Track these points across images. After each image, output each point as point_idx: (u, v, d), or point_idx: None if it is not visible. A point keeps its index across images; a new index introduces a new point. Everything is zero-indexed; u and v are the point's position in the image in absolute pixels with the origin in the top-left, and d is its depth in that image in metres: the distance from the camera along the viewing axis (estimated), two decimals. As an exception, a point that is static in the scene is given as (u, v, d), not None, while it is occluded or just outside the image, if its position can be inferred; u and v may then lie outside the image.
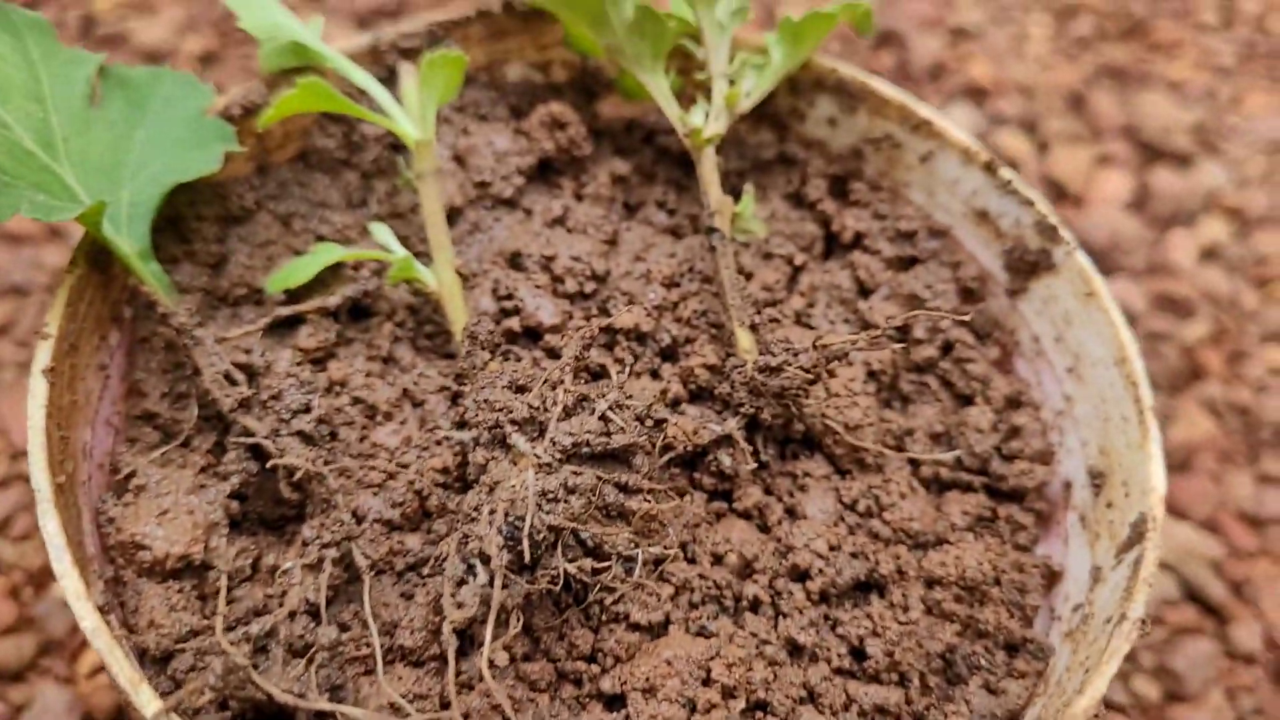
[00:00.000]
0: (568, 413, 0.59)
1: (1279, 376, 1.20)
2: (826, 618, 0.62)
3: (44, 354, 0.58)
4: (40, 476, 0.54)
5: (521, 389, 0.60)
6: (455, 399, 0.66)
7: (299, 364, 0.64)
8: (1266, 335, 1.24)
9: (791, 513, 0.66)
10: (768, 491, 0.67)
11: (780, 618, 0.62)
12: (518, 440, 0.57)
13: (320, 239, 0.72)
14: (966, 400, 0.71)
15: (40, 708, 0.96)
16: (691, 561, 0.63)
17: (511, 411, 0.58)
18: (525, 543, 0.53)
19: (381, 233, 0.68)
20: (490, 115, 0.78)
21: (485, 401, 0.60)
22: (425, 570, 0.61)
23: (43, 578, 1.03)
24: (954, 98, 1.43)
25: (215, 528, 0.59)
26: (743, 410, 0.65)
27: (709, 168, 0.71)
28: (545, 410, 0.58)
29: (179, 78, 0.69)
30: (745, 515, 0.66)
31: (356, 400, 0.65)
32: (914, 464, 0.69)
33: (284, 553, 0.60)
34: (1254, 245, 1.31)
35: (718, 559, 0.63)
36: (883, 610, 0.62)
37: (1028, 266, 0.71)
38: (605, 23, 0.72)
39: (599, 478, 0.58)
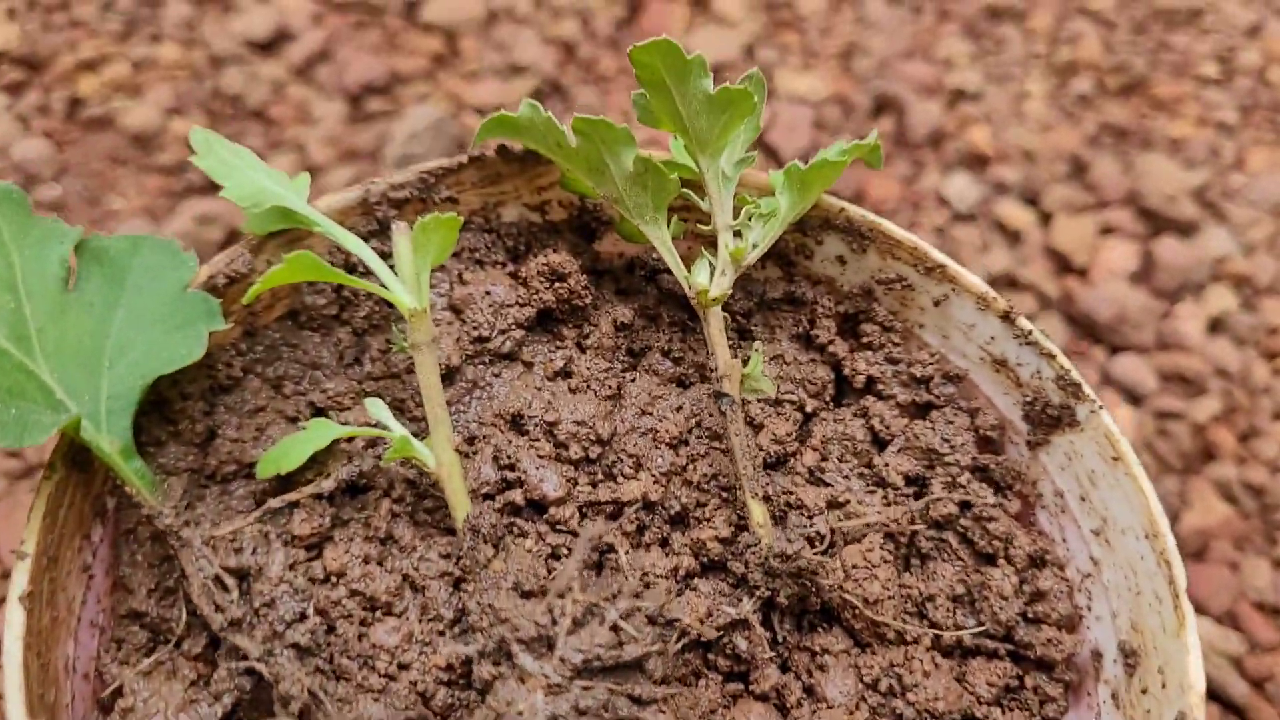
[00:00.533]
0: (577, 624, 0.56)
1: (1295, 455, 1.18)
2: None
3: (21, 577, 0.55)
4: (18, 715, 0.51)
5: (528, 594, 0.58)
6: (458, 584, 0.63)
7: (292, 566, 0.61)
8: (1279, 411, 1.21)
9: (811, 692, 0.63)
10: (785, 668, 0.64)
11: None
12: (525, 660, 0.54)
13: (313, 406, 0.69)
14: (988, 559, 0.69)
15: None
16: (709, 755, 0.60)
17: (518, 630, 0.55)
18: (537, 780, 0.50)
19: (377, 408, 0.65)
20: (487, 260, 0.75)
21: (490, 607, 0.57)
22: (431, 779, 0.58)
23: None
24: (954, 166, 1.40)
25: (209, 751, 0.56)
26: (758, 593, 0.63)
27: (716, 328, 0.68)
28: (553, 624, 0.55)
29: (159, 246, 0.66)
30: (763, 698, 0.63)
31: (354, 593, 0.62)
32: (936, 626, 0.66)
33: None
34: (1263, 315, 1.28)
35: (735, 750, 0.60)
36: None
37: (1049, 420, 0.69)
38: (604, 174, 0.69)
39: (611, 690, 0.55)
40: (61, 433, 0.60)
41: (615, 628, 0.56)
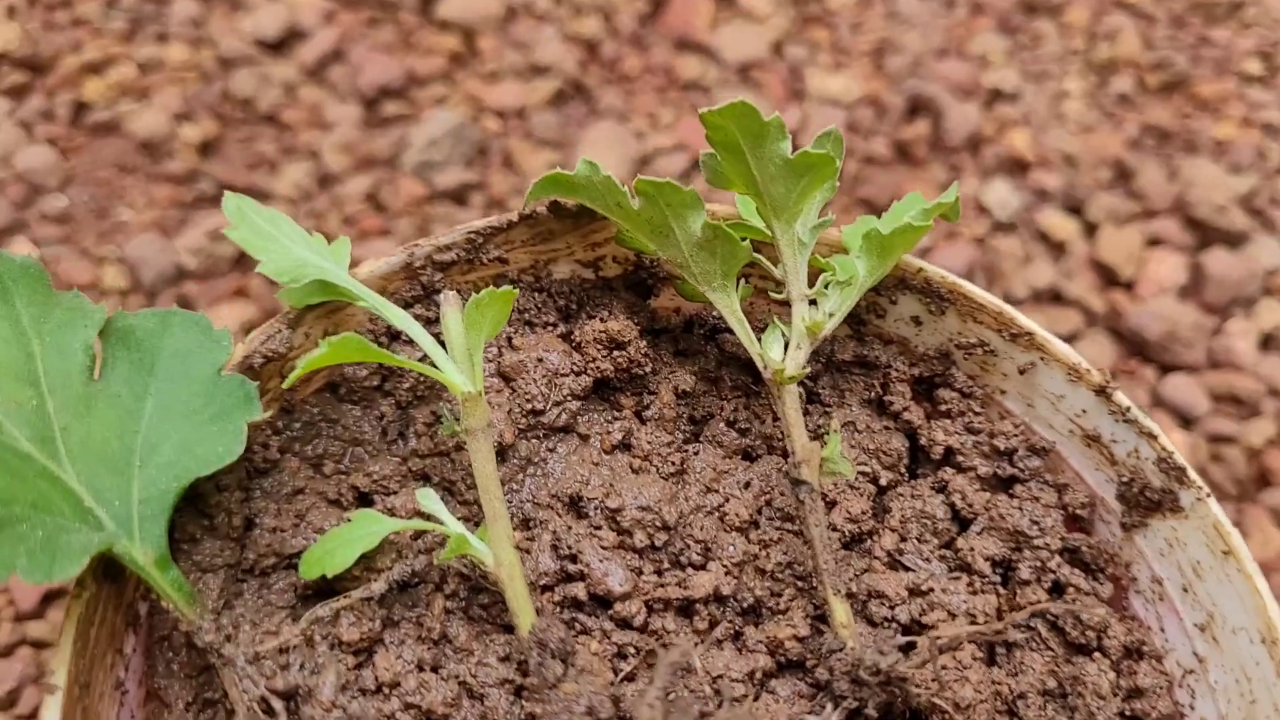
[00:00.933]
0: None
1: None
2: None
3: (52, 715, 0.50)
4: None
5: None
6: (519, 692, 0.59)
7: (344, 687, 0.57)
8: (1338, 426, 1.17)
9: (899, 806, 0.59)
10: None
11: None
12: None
13: (356, 490, 0.65)
14: (1080, 649, 0.64)
15: None
16: None
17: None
18: None
19: (428, 499, 0.60)
20: (537, 321, 0.70)
21: (563, 735, 0.52)
22: None
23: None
24: (993, 172, 1.35)
25: None
26: (844, 704, 0.58)
27: (792, 407, 0.63)
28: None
29: (190, 324, 0.61)
30: (847, 812, 0.59)
31: (409, 705, 0.57)
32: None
33: None
34: (1319, 333, 1.24)
35: None
36: None
37: (1148, 503, 0.64)
38: (668, 237, 0.64)
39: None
40: (92, 544, 0.55)
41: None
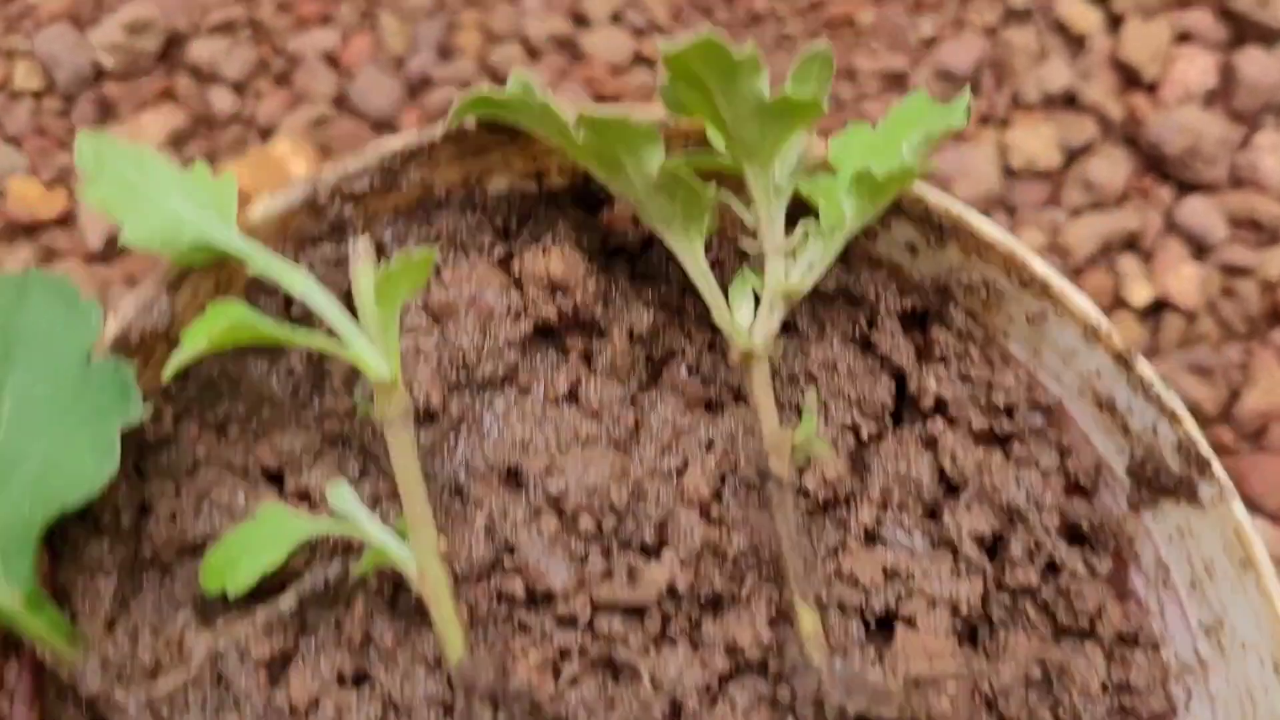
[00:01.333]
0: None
1: None
2: None
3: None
4: None
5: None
6: (448, 711, 0.53)
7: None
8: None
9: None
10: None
11: None
12: None
13: (264, 469, 0.57)
14: (1068, 633, 0.59)
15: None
16: None
17: None
18: None
19: (342, 499, 0.53)
20: (470, 244, 0.60)
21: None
22: None
23: None
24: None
25: None
26: (805, 727, 0.53)
27: (761, 384, 0.54)
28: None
29: (51, 291, 0.51)
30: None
31: (327, 729, 0.52)
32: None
33: None
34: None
35: None
36: None
37: (1161, 487, 0.57)
38: (620, 172, 0.53)
39: None
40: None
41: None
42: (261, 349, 0.58)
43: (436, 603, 0.52)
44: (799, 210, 0.55)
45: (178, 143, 1.12)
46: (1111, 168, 1.09)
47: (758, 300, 0.55)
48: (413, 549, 0.52)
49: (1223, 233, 1.07)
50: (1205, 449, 0.54)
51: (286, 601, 0.53)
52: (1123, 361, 0.56)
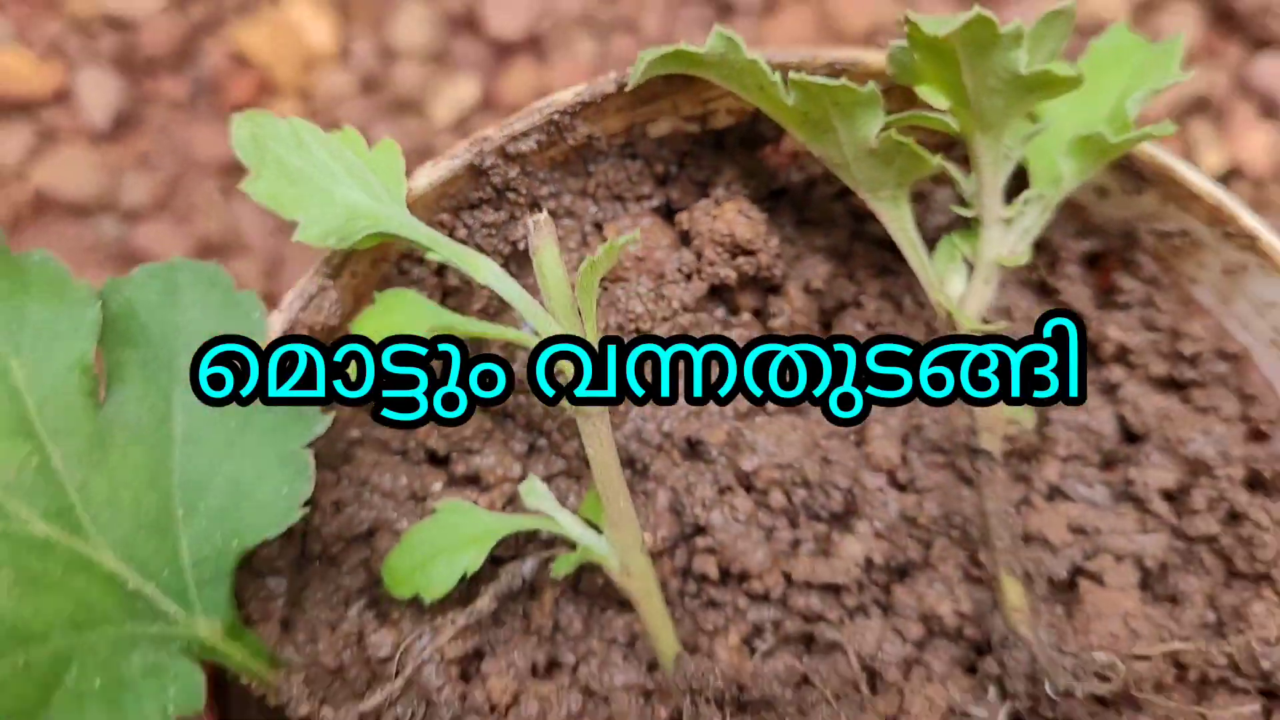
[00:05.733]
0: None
1: None
2: None
3: None
4: None
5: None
6: (648, 696, 0.52)
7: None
8: None
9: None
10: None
11: None
12: None
13: (429, 452, 0.53)
14: (1243, 578, 0.58)
15: None
16: None
17: None
18: None
19: (535, 495, 0.49)
20: (629, 195, 0.55)
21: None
22: None
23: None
24: None
25: None
26: (1016, 705, 0.52)
27: (972, 360, 0.51)
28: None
29: (202, 282, 0.46)
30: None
31: (526, 727, 0.50)
32: (1180, 666, 0.57)
33: None
34: None
35: None
36: None
37: (1355, 441, 0.55)
38: (829, 136, 0.48)
39: None
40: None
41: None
42: (415, 320, 0.53)
43: (646, 600, 0.49)
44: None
45: (182, 4, 1.02)
46: (1182, 22, 1.05)
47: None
48: (614, 545, 0.49)
49: (1295, 92, 1.04)
50: None
51: (484, 603, 0.50)
52: (1333, 320, 0.54)
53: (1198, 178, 0.54)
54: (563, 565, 0.50)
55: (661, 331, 0.54)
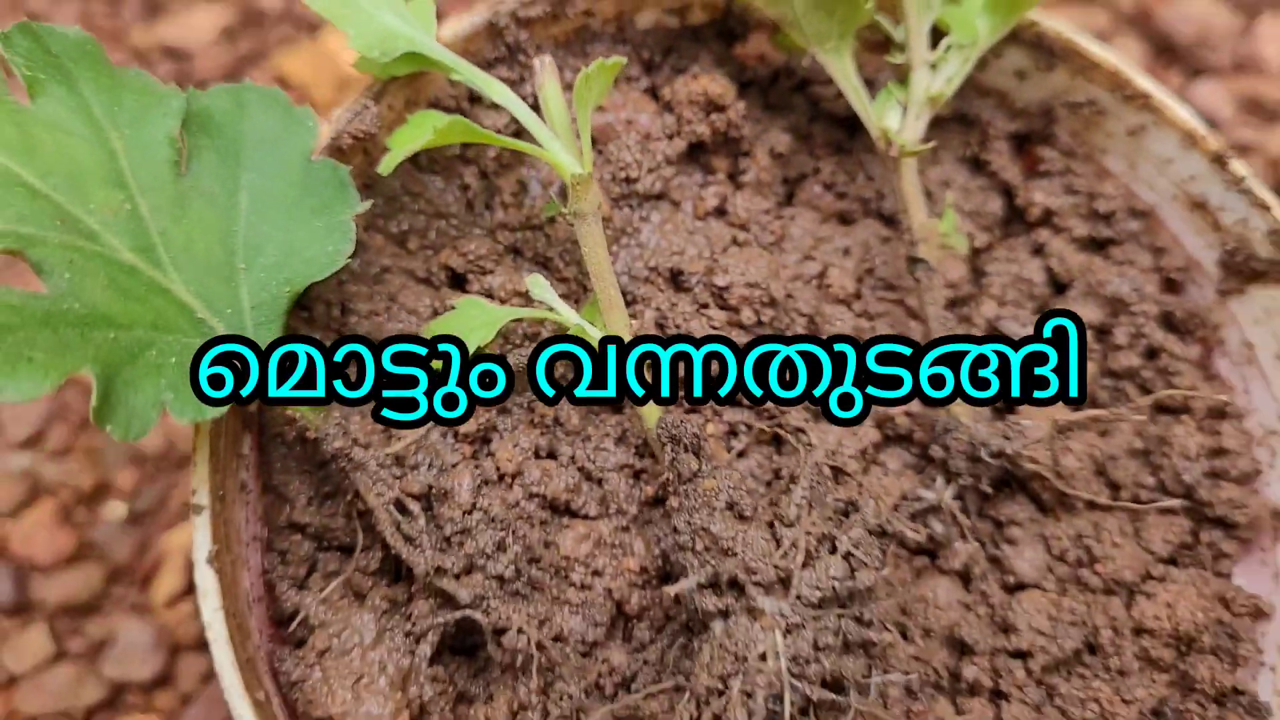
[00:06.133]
0: (810, 557, 0.53)
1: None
2: (1040, 683, 0.60)
3: (203, 536, 0.50)
4: (240, 703, 0.48)
5: (743, 516, 0.54)
6: (638, 476, 0.59)
7: (480, 487, 0.56)
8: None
9: (997, 564, 0.62)
10: (965, 535, 0.62)
11: (1002, 701, 0.59)
12: (764, 603, 0.51)
13: (448, 270, 0.62)
14: (1167, 410, 0.66)
15: (124, 644, 0.92)
16: (904, 636, 0.59)
17: (755, 573, 0.51)
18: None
19: (540, 288, 0.58)
20: (620, 76, 0.66)
21: (705, 531, 0.53)
22: (634, 686, 0.56)
23: (95, 495, 0.97)
24: None
25: (416, 680, 0.53)
26: (960, 482, 0.60)
27: (910, 181, 0.60)
28: (787, 559, 0.52)
29: (267, 100, 0.56)
30: (949, 573, 0.62)
31: (532, 495, 0.57)
32: (1114, 486, 0.64)
33: (484, 690, 0.55)
34: (1346, 31, 1.21)
35: (928, 632, 0.59)
36: (1099, 671, 0.59)
37: (1251, 272, 0.64)
38: (781, -4, 0.59)
39: (839, 615, 0.53)
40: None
41: (848, 556, 0.53)
42: (438, 169, 0.63)
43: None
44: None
45: (231, 38, 1.15)
46: (1127, 54, 1.17)
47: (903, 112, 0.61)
48: (607, 327, 0.57)
49: (1229, 113, 1.15)
50: (1296, 232, 0.62)
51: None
52: (1219, 161, 0.63)
53: (1098, 48, 0.64)
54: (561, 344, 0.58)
55: (647, 182, 0.63)
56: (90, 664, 0.91)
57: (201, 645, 0.93)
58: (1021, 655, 0.60)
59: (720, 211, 0.65)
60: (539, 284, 0.58)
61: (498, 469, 0.58)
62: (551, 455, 0.60)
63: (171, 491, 0.98)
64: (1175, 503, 0.63)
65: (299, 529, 0.57)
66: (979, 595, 0.61)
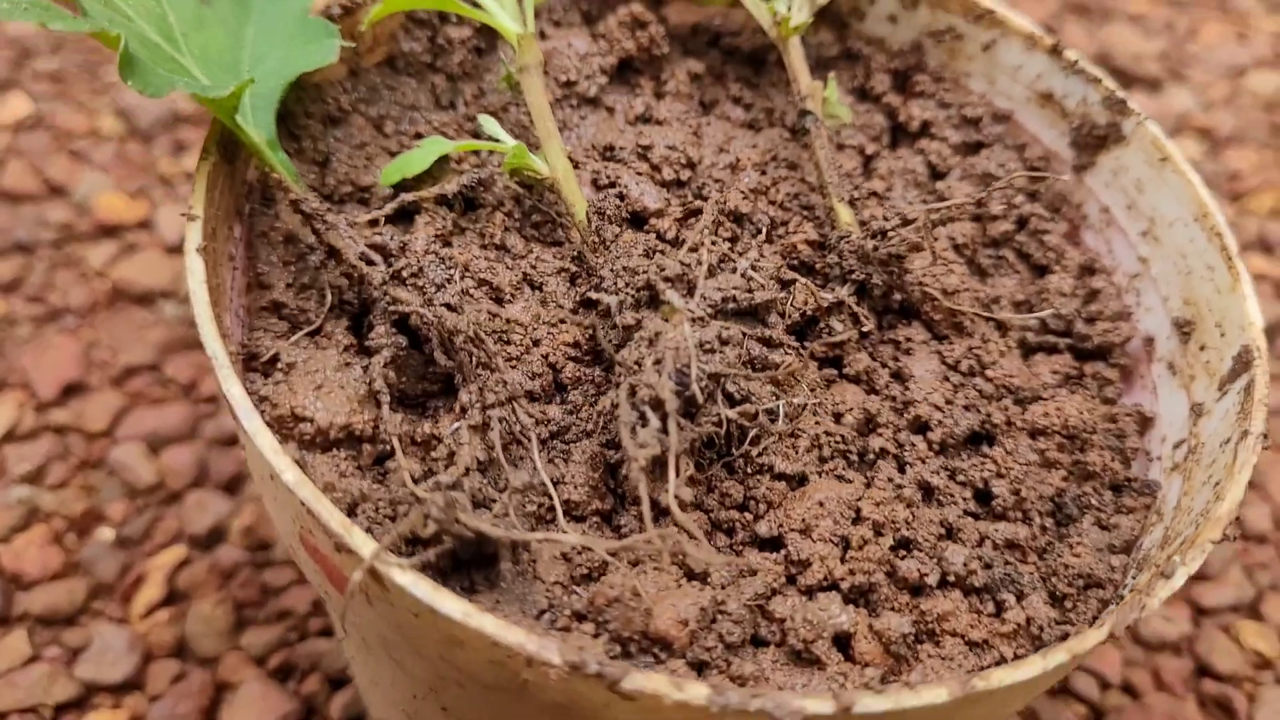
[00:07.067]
0: (712, 271, 0.61)
1: (1260, 281, 1.28)
2: (946, 468, 0.66)
3: (195, 234, 0.59)
4: (214, 344, 0.55)
5: (657, 254, 0.63)
6: (574, 280, 0.68)
7: (435, 239, 0.66)
8: (1244, 244, 1.31)
9: (898, 376, 0.69)
10: (873, 358, 0.70)
11: (907, 467, 0.65)
12: (672, 296, 0.59)
13: (419, 135, 0.74)
14: (1043, 270, 0.75)
15: (99, 647, 0.95)
16: (817, 421, 0.65)
17: (664, 269, 0.60)
18: (695, 387, 0.55)
19: (490, 124, 0.70)
20: (564, 20, 0.80)
21: (626, 269, 0.62)
22: (568, 437, 0.63)
23: (85, 523, 1.02)
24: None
25: (373, 399, 0.60)
26: (853, 277, 0.68)
27: (796, 56, 0.74)
28: (693, 269, 0.61)
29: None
30: (855, 380, 0.69)
31: (482, 282, 0.66)
32: (1002, 329, 0.72)
33: (436, 424, 0.61)
34: (1225, 162, 1.38)
35: (838, 417, 0.66)
36: (1003, 455, 0.65)
37: (1096, 141, 0.76)
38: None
39: (744, 332, 0.61)
40: (214, 120, 0.63)
41: (746, 275, 0.61)
42: (412, 71, 0.76)
43: (566, 182, 0.68)
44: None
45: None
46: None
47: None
48: (545, 151, 0.68)
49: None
50: (1122, 93, 0.74)
51: (450, 186, 0.68)
52: (1055, 52, 0.76)
53: (947, -18, 0.79)
54: (510, 161, 0.69)
55: (584, 86, 0.77)
56: (64, 666, 0.94)
57: (173, 652, 0.96)
58: (923, 429, 0.66)
59: (646, 117, 0.77)
60: (489, 121, 0.70)
61: (452, 259, 0.67)
62: (499, 264, 0.69)
63: (158, 523, 1.04)
64: (1049, 312, 0.71)
65: (277, 309, 0.65)
66: (884, 397, 0.68)
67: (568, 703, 0.50)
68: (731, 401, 0.60)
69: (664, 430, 0.55)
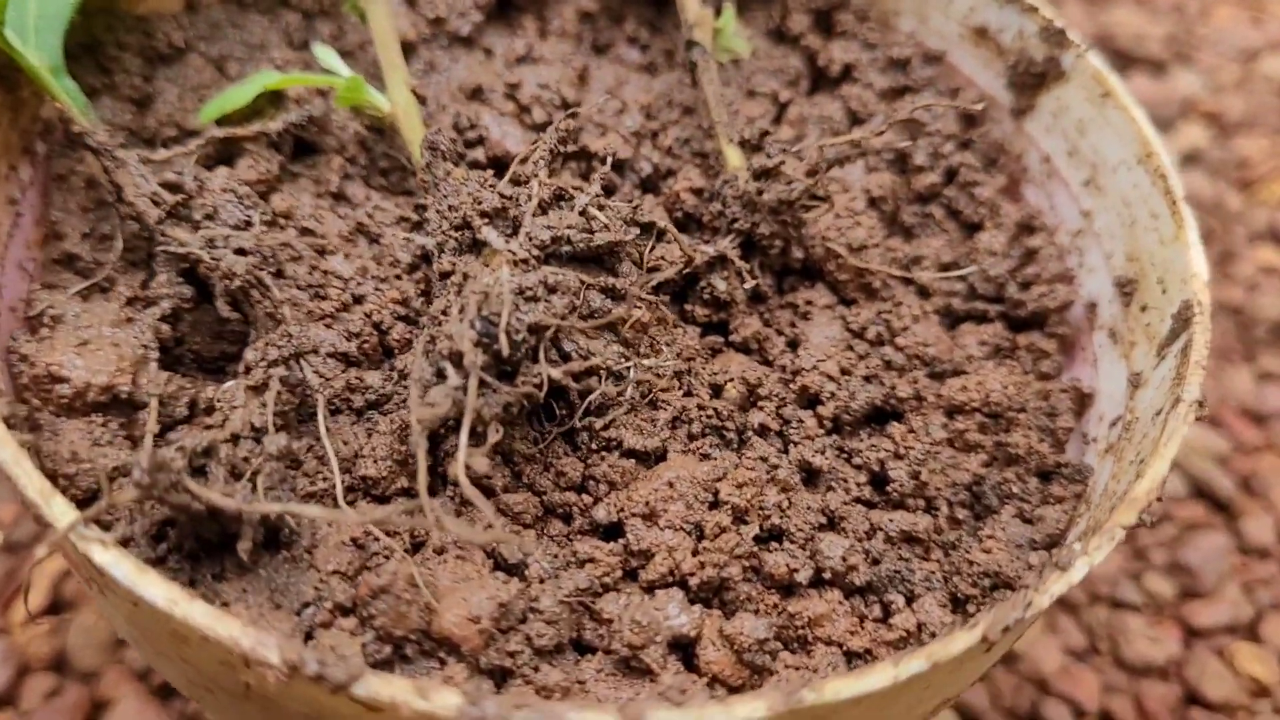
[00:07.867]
0: (544, 207, 0.52)
1: (1269, 275, 1.16)
2: (839, 448, 0.56)
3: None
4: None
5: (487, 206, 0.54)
6: (416, 227, 0.59)
7: (254, 183, 0.57)
8: (1254, 235, 1.20)
9: (794, 344, 0.59)
10: (766, 324, 0.60)
11: (791, 446, 0.55)
12: (489, 234, 0.50)
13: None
14: (975, 228, 0.65)
15: (-28, 658, 0.87)
16: (688, 394, 0.56)
17: (481, 202, 0.51)
18: (502, 338, 0.46)
19: (326, 55, 0.61)
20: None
21: (450, 208, 0.53)
22: (387, 407, 0.54)
23: (-39, 525, 0.94)
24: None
25: (145, 357, 0.51)
26: (736, 227, 0.59)
27: (685, -18, 0.65)
28: (519, 204, 0.51)
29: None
30: (744, 349, 0.59)
31: (304, 231, 0.58)
32: (924, 294, 0.62)
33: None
34: (1234, 149, 1.27)
35: (716, 390, 0.56)
36: (905, 433, 0.55)
37: (1034, 80, 0.66)
38: None
39: (582, 281, 0.51)
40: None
41: (586, 214, 0.52)
42: (262, 9, 0.68)
43: (406, 119, 0.59)
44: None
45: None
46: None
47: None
48: (387, 86, 0.60)
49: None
50: (1060, 22, 0.64)
51: (274, 125, 0.60)
52: (988, -18, 0.67)
53: (870, -90, 0.70)
54: (343, 96, 0.60)
55: (455, 24, 0.68)
56: (-68, 676, 0.86)
57: (51, 666, 0.88)
58: (812, 403, 0.56)
59: (528, 59, 0.68)
60: (325, 51, 0.62)
61: (272, 209, 0.58)
62: (332, 211, 0.60)
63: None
64: (972, 269, 0.61)
65: (70, 262, 0.57)
66: (775, 368, 0.58)
67: (314, 714, 0.41)
68: (565, 360, 0.51)
69: (463, 389, 0.45)
